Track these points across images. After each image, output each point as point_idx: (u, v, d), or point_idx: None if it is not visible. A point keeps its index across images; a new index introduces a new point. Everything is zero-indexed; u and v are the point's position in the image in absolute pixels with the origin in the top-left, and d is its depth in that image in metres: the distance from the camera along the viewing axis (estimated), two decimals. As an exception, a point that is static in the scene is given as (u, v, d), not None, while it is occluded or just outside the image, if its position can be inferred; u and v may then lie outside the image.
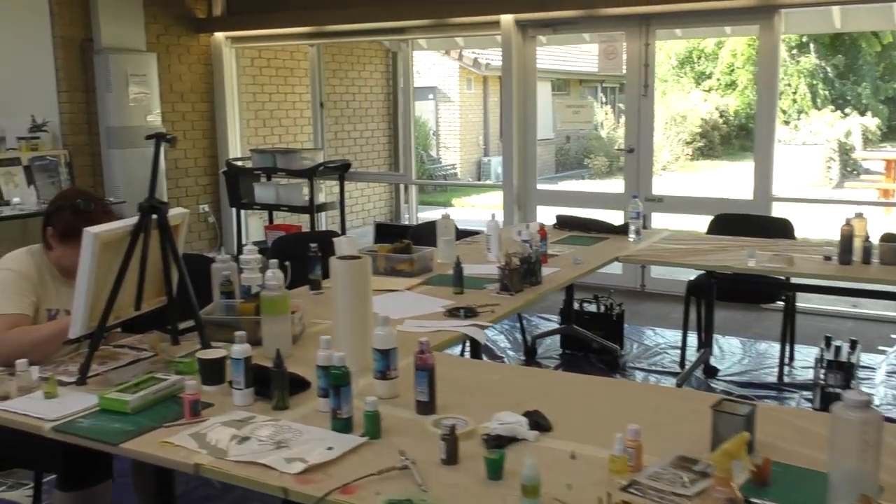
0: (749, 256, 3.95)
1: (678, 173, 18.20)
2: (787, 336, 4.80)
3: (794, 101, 20.64)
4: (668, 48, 22.06)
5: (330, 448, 1.88)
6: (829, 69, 20.50)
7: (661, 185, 6.93)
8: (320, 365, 2.09)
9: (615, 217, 6.79)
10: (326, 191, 8.01)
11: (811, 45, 20.50)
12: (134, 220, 2.40)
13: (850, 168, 16.13)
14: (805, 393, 4.50)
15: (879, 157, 13.01)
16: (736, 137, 21.44)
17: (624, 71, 6.55)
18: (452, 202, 14.49)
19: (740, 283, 4.58)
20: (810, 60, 20.40)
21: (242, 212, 7.87)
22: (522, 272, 3.43)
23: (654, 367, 4.94)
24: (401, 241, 3.89)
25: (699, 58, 22.36)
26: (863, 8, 6.37)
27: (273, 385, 2.13)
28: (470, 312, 3.05)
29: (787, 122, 18.70)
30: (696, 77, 22.45)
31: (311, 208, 7.37)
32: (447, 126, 18.56)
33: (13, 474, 3.41)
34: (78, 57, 6.94)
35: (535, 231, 3.97)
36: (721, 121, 20.92)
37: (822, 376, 4.27)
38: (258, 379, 2.18)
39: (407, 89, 7.77)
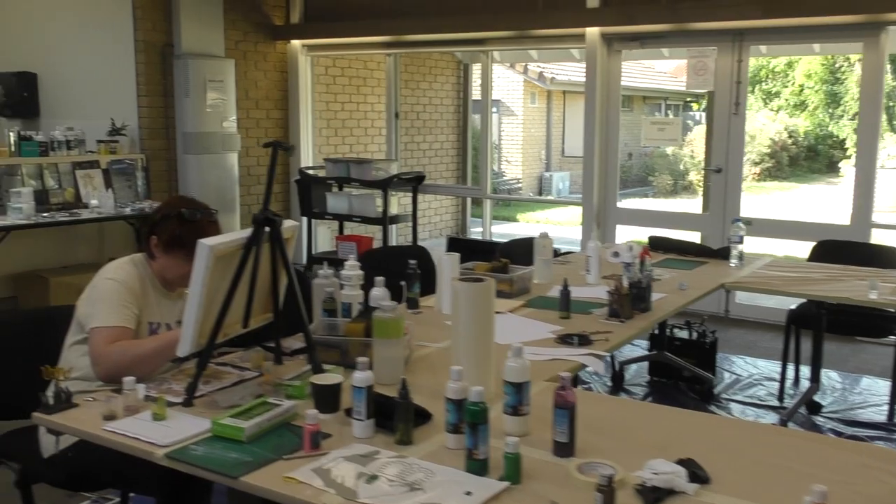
0: (871, 288, 3.69)
1: (746, 194, 17.75)
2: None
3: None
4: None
5: (469, 493, 1.71)
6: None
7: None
8: (452, 398, 1.92)
9: (693, 239, 6.57)
10: (398, 202, 7.87)
11: (888, 66, 19.89)
12: (245, 232, 2.27)
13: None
14: (920, 434, 4.21)
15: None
16: (805, 159, 20.92)
17: (713, 87, 6.30)
18: (517, 217, 14.29)
19: (852, 314, 4.31)
20: (888, 81, 19.80)
21: (313, 221, 7.78)
22: (632, 298, 3.23)
23: (750, 400, 4.68)
24: (498, 260, 3.72)
25: (767, 77, 21.88)
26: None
27: (397, 417, 1.97)
28: (584, 340, 2.86)
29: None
30: (765, 96, 21.97)
31: (385, 220, 7.24)
32: (510, 140, 18.39)
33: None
34: (158, 62, 6.92)
35: (636, 253, 3.77)
36: (790, 141, 20.41)
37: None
38: (378, 409, 2.02)
39: (486, 103, 7.61)
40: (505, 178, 17.32)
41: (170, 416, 2.08)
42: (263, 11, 7.74)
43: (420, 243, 8.53)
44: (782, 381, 4.76)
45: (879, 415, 4.49)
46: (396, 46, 7.74)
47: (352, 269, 2.95)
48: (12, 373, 2.58)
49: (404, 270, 3.30)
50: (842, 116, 20.88)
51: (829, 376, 5.05)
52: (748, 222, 6.35)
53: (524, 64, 16.96)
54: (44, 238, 6.29)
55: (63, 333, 2.54)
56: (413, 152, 9.85)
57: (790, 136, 20.44)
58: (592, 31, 6.39)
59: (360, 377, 2.00)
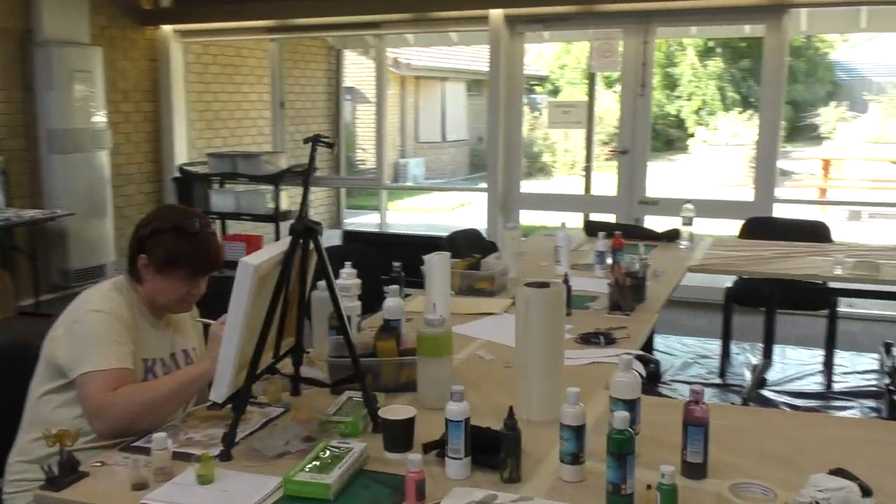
0: (836, 264, 3.72)
1: (600, 172, 18.24)
2: (832, 343, 4.61)
3: (704, 101, 21.16)
4: (578, 52, 22.20)
5: (635, 538, 1.46)
6: (735, 72, 21.09)
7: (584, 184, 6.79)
8: (571, 424, 1.67)
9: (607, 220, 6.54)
10: (287, 198, 7.43)
11: (718, 50, 21.04)
12: (281, 244, 1.90)
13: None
14: (865, 401, 4.31)
15: (816, 157, 13.32)
16: (653, 139, 21.78)
17: (619, 69, 6.28)
18: (388, 206, 13.96)
19: (795, 290, 4.36)
20: (718, 64, 20.93)
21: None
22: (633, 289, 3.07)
23: (694, 380, 4.66)
24: (472, 256, 3.47)
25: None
26: (880, 9, 6.31)
27: (505, 452, 1.69)
28: (608, 339, 2.67)
29: (703, 124, 19.05)
30: (605, 79, 22.69)
31: (277, 217, 6.81)
32: (364, 128, 18.03)
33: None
34: (16, 50, 6.15)
35: (581, 241, 3.64)
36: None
37: (887, 384, 4.10)
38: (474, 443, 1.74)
39: (380, 90, 7.29)
40: (365, 166, 16.97)
41: (217, 477, 1.70)
42: (129, -7, 7.06)
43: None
44: (723, 358, 4.78)
45: (817, 385, 4.58)
46: (281, 31, 7.27)
47: (349, 277, 2.61)
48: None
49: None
50: (679, 97, 21.92)
51: (759, 349, 5.13)
52: (655, 202, 6.42)
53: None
54: None
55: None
56: (286, 143, 9.36)
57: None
58: (496, 13, 6.20)
59: (457, 409, 1.71)
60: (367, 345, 2.33)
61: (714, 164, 15.60)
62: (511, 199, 6.70)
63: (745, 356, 5.06)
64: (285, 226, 7.39)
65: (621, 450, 1.56)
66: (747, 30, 7.61)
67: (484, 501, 1.61)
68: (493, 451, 1.72)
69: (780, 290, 4.13)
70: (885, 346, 4.34)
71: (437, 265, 2.92)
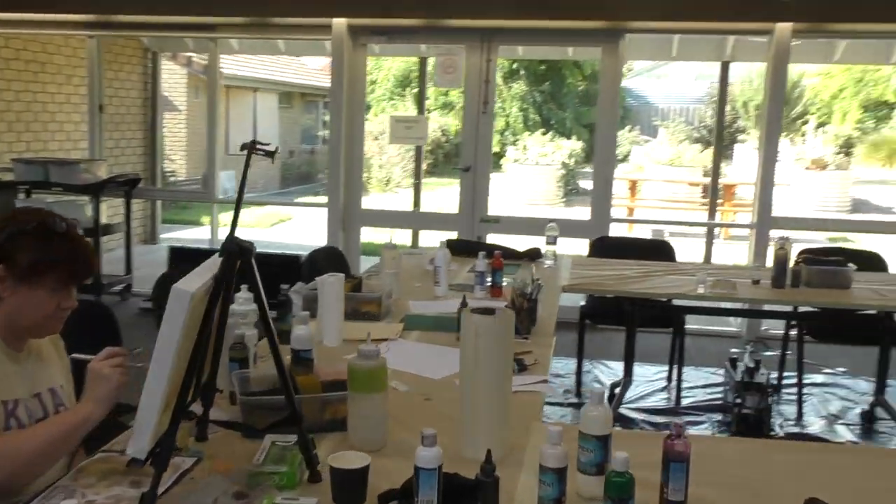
0: (699, 283, 3.84)
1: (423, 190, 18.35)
2: (677, 359, 4.77)
3: (507, 123, 21.85)
4: (388, 68, 22.31)
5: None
6: (537, 95, 21.97)
7: (399, 202, 6.72)
8: (553, 467, 1.53)
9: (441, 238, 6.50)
10: (107, 210, 6.82)
11: (522, 72, 21.83)
12: (209, 267, 1.64)
13: (570, 187, 17.30)
14: (713, 415, 4.48)
15: (624, 178, 14.02)
16: (456, 155, 22.20)
17: (462, 86, 6.27)
18: (202, 220, 13.27)
19: (649, 308, 4.46)
20: (521, 86, 21.72)
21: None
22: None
23: (552, 399, 4.68)
24: (352, 277, 3.26)
25: (417, 78, 22.86)
26: (697, 38, 6.65)
27: (483, 501, 1.52)
28: (521, 365, 2.56)
29: (510, 144, 19.63)
30: (414, 97, 22.94)
31: (97, 231, 6.22)
32: (171, 137, 17.10)
33: None
34: None
35: (447, 258, 3.55)
36: (443, 139, 21.50)
37: (735, 398, 4.28)
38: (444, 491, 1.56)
39: (212, 94, 6.86)
40: (179, 178, 16.10)
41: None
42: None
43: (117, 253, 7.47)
44: (578, 376, 4.84)
45: (664, 401, 4.73)
46: (101, 28, 6.66)
47: (246, 302, 2.34)
48: None
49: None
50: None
51: (611, 367, 5.25)
52: (496, 220, 6.45)
53: (188, 56, 15.87)
54: None
55: None
56: (104, 151, 8.63)
57: (443, 135, 21.54)
58: (339, 22, 6.00)
59: (429, 455, 1.52)
60: (270, 379, 2.08)
61: (525, 182, 16.10)
62: (351, 214, 6.51)
63: (594, 373, 5.16)
64: (109, 240, 6.82)
65: (622, 494, 1.44)
66: (570, 52, 7.86)
67: (470, 560, 1.43)
68: (462, 499, 1.55)
69: (639, 309, 4.21)
70: (730, 362, 4.54)
71: (331, 288, 2.70)
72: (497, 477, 1.52)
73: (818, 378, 5.07)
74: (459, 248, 4.42)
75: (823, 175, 14.61)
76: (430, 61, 6.79)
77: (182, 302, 1.48)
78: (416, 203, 7.86)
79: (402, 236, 8.47)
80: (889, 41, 6.06)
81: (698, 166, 16.01)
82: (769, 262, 5.98)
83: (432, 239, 9.96)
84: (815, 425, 4.38)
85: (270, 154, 1.66)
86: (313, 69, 22.50)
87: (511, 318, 1.89)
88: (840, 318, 4.39)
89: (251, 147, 1.64)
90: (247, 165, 1.65)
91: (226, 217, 13.37)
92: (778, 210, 6.00)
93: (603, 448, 1.65)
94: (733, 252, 9.76)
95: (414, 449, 1.76)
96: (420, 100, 8.89)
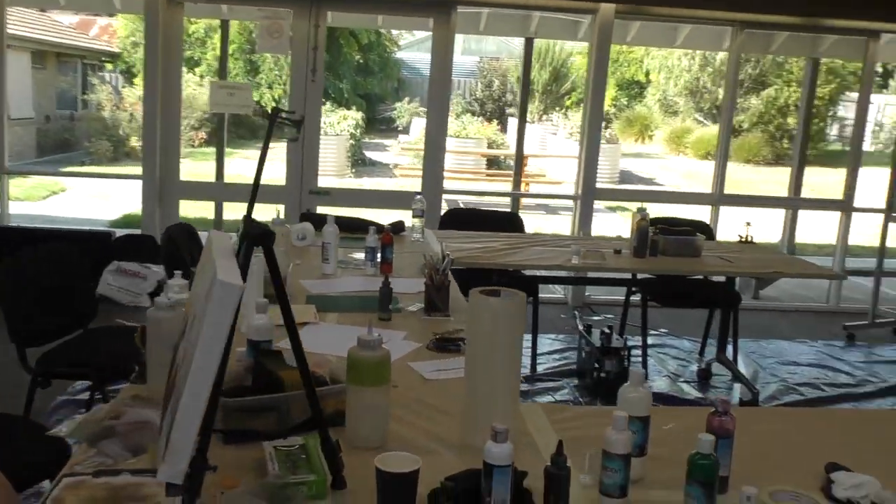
0: (574, 254, 3.92)
1: (189, 161, 17.40)
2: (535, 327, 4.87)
3: (286, 91, 21.26)
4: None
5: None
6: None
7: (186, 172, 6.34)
8: (619, 453, 1.47)
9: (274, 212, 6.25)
10: None
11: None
12: (223, 255, 1.40)
13: (357, 157, 17.18)
14: (570, 381, 4.62)
15: (415, 149, 14.04)
16: (241, 125, 21.29)
17: (288, 51, 5.97)
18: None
19: (513, 280, 4.51)
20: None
21: None
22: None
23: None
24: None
25: (191, 44, 21.69)
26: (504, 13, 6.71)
27: (556, 495, 1.43)
28: (459, 346, 2.46)
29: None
30: (187, 62, 21.70)
31: None
32: None
33: None
34: None
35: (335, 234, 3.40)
36: (220, 107, 20.53)
37: (594, 363, 4.44)
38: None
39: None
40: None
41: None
42: None
43: None
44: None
45: (524, 368, 4.83)
46: None
47: (181, 290, 2.06)
48: None
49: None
50: (260, 84, 21.80)
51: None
52: (327, 192, 6.25)
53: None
54: None
55: None
56: None
57: (219, 102, 20.57)
58: (156, -22, 5.49)
59: (502, 451, 1.40)
60: (231, 376, 1.84)
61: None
62: (169, 187, 6.02)
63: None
64: None
65: (708, 477, 1.40)
66: (380, 21, 7.69)
67: (564, 560, 1.34)
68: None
69: (507, 281, 4.23)
70: (585, 328, 4.69)
71: (253, 268, 2.43)
72: (568, 468, 1.44)
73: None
74: (313, 222, 4.21)
75: (603, 148, 15.57)
76: (235, 24, 6.41)
77: (232, 297, 1.25)
78: (220, 175, 7.40)
79: (203, 209, 7.97)
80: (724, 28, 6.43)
81: (483, 138, 16.49)
82: (595, 231, 6.30)
83: (256, 213, 9.52)
84: (661, 384, 4.65)
85: (297, 123, 1.44)
86: (67, 27, 20.69)
87: (523, 301, 1.79)
88: (681, 284, 4.68)
89: (273, 115, 1.41)
90: (269, 135, 1.42)
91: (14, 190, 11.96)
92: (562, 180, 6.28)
93: (644, 429, 1.62)
94: (538, 222, 10.17)
95: (412, 442, 1.72)
96: (222, 65, 8.43)
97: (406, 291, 3.00)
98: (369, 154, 18.29)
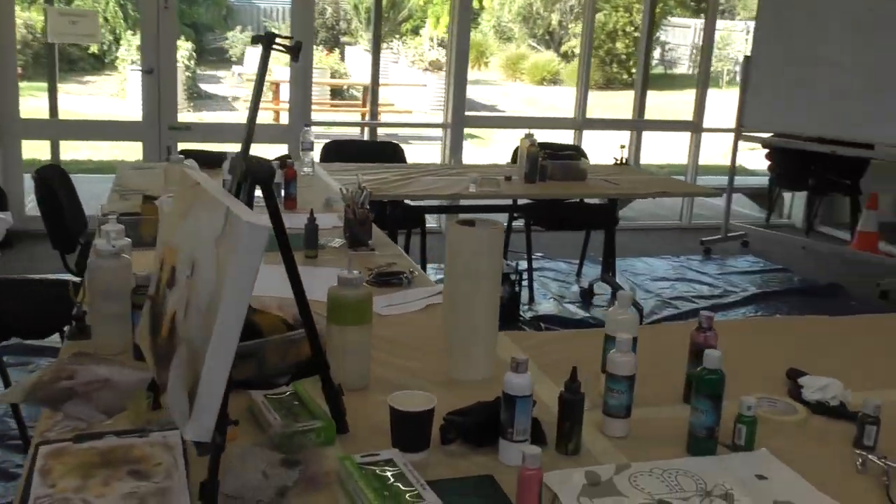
0: (472, 182, 3.92)
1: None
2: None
3: (107, 20, 19.87)
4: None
5: (762, 477, 1.40)
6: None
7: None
8: (625, 375, 1.50)
9: (136, 151, 5.93)
10: None
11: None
12: (217, 191, 1.30)
13: (193, 91, 16.36)
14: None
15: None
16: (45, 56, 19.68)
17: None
18: None
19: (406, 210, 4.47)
20: None
21: None
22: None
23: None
24: (151, 201, 2.79)
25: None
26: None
27: (571, 420, 1.45)
28: (408, 278, 2.42)
29: (116, 43, 17.87)
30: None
31: None
32: None
33: None
34: None
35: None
36: (31, 38, 18.89)
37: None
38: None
39: None
40: None
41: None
42: None
43: None
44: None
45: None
46: None
47: (118, 235, 1.90)
48: None
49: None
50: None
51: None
52: (187, 127, 5.94)
53: None
54: None
55: None
56: None
57: (29, 33, 18.92)
58: None
59: (523, 382, 1.39)
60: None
61: (132, 86, 14.88)
62: (9, 126, 5.52)
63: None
64: None
65: (716, 391, 1.46)
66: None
67: (593, 481, 1.36)
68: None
69: (401, 213, 4.19)
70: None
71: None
72: (583, 394, 1.45)
73: (523, 264, 5.52)
74: (201, 161, 3.99)
75: (442, 75, 15.55)
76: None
77: (260, 241, 1.16)
78: (53, 112, 6.82)
79: (35, 150, 7.33)
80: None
81: (326, 67, 16.09)
82: (466, 159, 6.34)
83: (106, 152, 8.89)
84: (548, 306, 4.79)
85: (293, 50, 1.32)
86: None
87: (501, 229, 1.76)
88: (562, 208, 4.80)
89: (268, 41, 1.29)
90: (265, 65, 1.30)
91: None
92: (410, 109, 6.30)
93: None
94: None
95: (395, 381, 1.70)
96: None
97: (320, 227, 2.91)
98: (204, 87, 17.46)
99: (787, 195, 7.33)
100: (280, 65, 16.36)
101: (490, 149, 11.33)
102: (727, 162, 6.48)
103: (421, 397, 1.43)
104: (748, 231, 6.47)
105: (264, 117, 11.50)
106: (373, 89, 6.97)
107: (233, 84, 17.67)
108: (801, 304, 4.97)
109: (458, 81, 6.20)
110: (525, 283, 4.95)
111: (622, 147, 4.89)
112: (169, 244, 1.45)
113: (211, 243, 1.24)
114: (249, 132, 1.32)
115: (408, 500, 1.22)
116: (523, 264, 4.87)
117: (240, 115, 14.46)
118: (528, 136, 4.22)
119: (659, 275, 5.52)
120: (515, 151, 4.84)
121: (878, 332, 2.25)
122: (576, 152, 4.48)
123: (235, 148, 4.69)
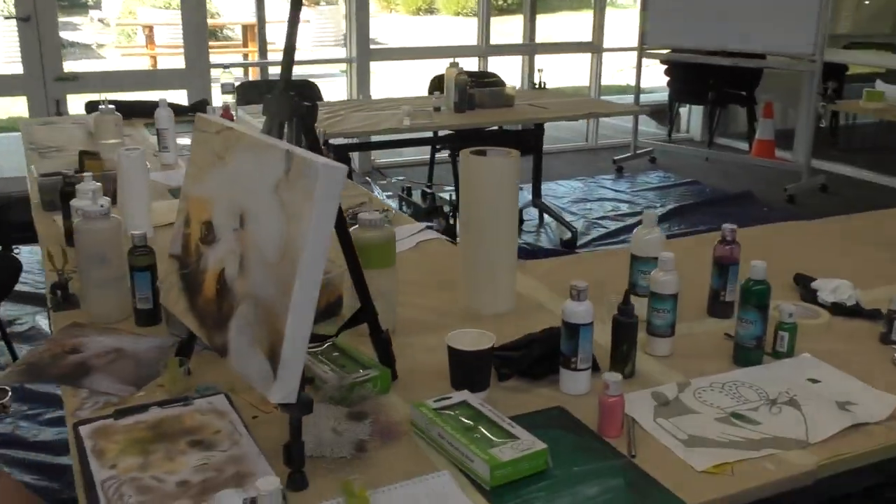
0: (406, 115, 3.82)
1: None
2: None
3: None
4: None
5: (814, 379, 1.44)
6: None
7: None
8: (669, 293, 1.49)
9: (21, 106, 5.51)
10: None
11: None
12: (265, 136, 1.19)
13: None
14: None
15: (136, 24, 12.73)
16: None
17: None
18: None
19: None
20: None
21: None
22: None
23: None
24: (93, 157, 2.59)
25: None
26: None
27: (628, 344, 1.44)
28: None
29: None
30: None
31: None
32: None
33: None
34: None
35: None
36: None
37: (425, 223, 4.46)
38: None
39: None
40: None
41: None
42: None
43: None
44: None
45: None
46: None
47: (97, 193, 1.75)
48: None
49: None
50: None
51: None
52: (75, 78, 5.56)
53: None
54: None
55: None
56: None
57: None
58: None
59: (583, 310, 1.37)
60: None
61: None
62: None
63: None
64: None
65: (762, 301, 1.47)
66: None
67: (662, 401, 1.36)
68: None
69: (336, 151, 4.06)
70: (405, 191, 4.65)
71: (134, 164, 2.11)
72: (637, 317, 1.44)
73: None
74: (129, 111, 3.73)
75: (322, 10, 15.11)
76: None
77: (338, 183, 1.07)
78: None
79: None
80: None
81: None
82: (374, 93, 6.20)
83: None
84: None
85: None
86: None
87: (517, 156, 1.71)
88: (486, 136, 4.76)
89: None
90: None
91: None
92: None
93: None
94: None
95: (420, 320, 1.67)
96: None
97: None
98: (64, 35, 16.35)
99: (683, 110, 7.52)
100: (149, 6, 15.54)
101: (383, 82, 11.11)
102: (619, 81, 6.57)
103: (476, 335, 1.39)
104: (655, 147, 6.62)
105: (141, 63, 10.88)
106: (260, 28, 6.70)
107: (96, 30, 16.61)
108: (719, 214, 5.13)
109: (360, 16, 6.00)
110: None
111: (540, 71, 4.87)
112: (196, 196, 1.34)
113: (268, 190, 1.15)
114: (288, 71, 1.22)
115: (501, 439, 1.18)
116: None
117: (110, 64, 13.64)
118: (454, 64, 4.13)
119: (578, 196, 5.59)
120: (436, 80, 4.76)
121: (854, 233, 2.31)
122: (499, 79, 4.42)
123: (133, 97, 4.44)
